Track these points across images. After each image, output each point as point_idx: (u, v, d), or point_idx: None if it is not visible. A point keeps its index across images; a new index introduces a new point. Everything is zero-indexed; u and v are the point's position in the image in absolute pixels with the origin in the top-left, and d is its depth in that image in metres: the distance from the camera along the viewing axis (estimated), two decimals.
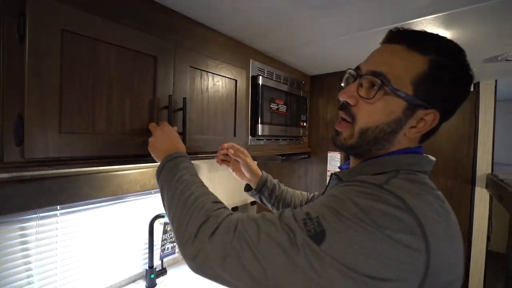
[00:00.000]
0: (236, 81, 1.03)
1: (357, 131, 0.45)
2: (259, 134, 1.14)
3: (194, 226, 0.43)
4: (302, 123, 1.46)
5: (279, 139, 1.32)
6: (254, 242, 0.37)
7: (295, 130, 1.41)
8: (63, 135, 0.57)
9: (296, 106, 1.40)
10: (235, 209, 1.57)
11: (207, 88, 0.92)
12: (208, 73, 0.92)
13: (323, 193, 0.56)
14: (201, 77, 0.90)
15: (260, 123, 1.14)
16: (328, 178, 1.53)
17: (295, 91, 1.40)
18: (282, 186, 0.85)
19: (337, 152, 1.51)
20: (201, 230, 0.42)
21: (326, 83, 1.56)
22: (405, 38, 0.43)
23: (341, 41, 1.06)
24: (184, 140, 0.81)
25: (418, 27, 0.91)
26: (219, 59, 0.97)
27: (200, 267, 0.41)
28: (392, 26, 0.87)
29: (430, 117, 0.42)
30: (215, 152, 0.99)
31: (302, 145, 1.55)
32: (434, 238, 0.34)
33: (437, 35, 0.43)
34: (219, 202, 0.50)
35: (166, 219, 1.16)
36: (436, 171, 2.02)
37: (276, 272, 0.35)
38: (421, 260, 0.33)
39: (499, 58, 1.20)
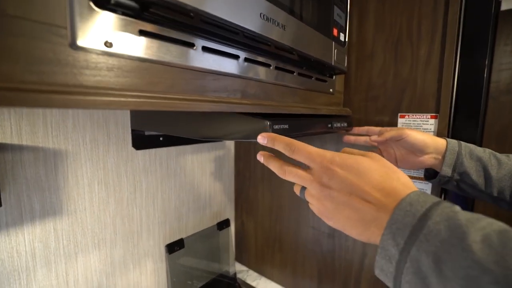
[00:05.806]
0: None
1: None
2: None
3: None
4: (335, 30, 0.50)
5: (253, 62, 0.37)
6: None
7: (322, 43, 0.45)
8: None
9: None
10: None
11: None
12: None
13: None
14: None
15: None
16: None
17: None
18: (506, 160, 0.43)
19: (428, 115, 0.56)
20: None
21: None
22: None
23: None
24: None
25: None
26: None
27: None
28: None
29: None
30: None
31: (332, 98, 0.60)
32: None
33: None
34: None
35: None
36: None
37: None
38: None
39: None
